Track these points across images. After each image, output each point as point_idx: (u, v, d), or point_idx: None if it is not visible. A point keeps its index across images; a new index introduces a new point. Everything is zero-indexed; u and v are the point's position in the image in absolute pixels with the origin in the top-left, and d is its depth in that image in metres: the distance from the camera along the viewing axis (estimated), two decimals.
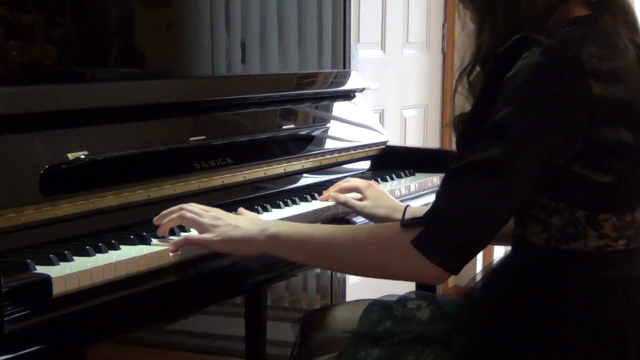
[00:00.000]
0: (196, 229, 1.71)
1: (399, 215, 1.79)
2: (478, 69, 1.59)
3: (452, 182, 1.53)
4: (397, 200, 2.00)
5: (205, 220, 1.69)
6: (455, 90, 1.65)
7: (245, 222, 1.72)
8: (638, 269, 1.56)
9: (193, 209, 1.72)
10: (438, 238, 1.52)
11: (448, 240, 1.51)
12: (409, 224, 1.54)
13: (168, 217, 1.71)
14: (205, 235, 1.67)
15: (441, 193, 1.56)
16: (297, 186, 2.18)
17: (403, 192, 2.28)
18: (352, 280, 3.19)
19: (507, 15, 1.55)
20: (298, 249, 1.67)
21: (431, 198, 2.24)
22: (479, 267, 4.10)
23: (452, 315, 1.72)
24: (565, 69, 1.47)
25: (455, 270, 1.54)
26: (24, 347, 1.37)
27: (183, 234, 1.73)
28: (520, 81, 1.47)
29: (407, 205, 1.93)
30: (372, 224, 1.89)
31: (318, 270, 2.75)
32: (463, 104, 1.61)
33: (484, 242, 1.55)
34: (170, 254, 1.64)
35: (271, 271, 1.97)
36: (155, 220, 1.72)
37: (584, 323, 1.52)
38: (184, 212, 1.71)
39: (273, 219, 1.83)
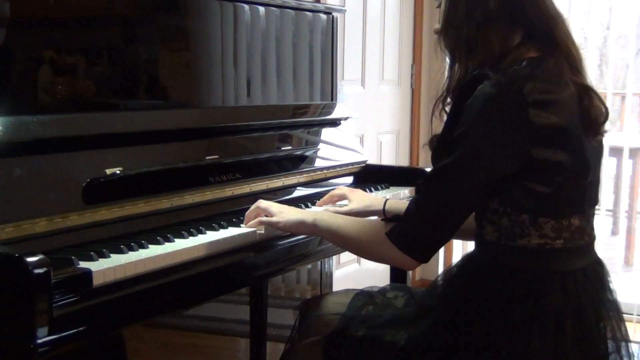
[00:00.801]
0: (268, 214, 1.81)
1: (379, 204, 1.94)
2: (449, 99, 1.62)
3: (422, 187, 1.60)
4: (374, 195, 2.02)
5: (274, 209, 1.80)
6: (433, 114, 1.68)
7: (298, 212, 1.84)
8: (572, 264, 1.57)
9: (266, 202, 1.84)
10: (405, 232, 1.58)
11: (413, 234, 1.58)
12: (387, 220, 1.65)
13: (250, 209, 1.83)
14: (273, 218, 1.80)
15: (414, 197, 1.63)
16: (293, 197, 2.18)
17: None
18: (337, 274, 3.19)
19: (470, 57, 1.58)
20: (326, 234, 1.77)
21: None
22: (441, 267, 4.13)
23: (421, 301, 1.73)
24: (508, 100, 1.48)
25: (422, 259, 1.59)
26: (70, 329, 1.38)
27: (257, 219, 1.83)
28: (473, 107, 1.50)
29: (387, 199, 1.95)
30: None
31: (309, 266, 2.75)
32: (438, 126, 1.64)
33: (443, 237, 1.60)
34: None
35: (271, 267, 1.99)
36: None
37: (527, 307, 1.53)
38: (259, 203, 1.83)
39: (316, 211, 1.93)
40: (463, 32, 1.58)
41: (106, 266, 1.47)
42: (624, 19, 4.85)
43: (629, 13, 4.54)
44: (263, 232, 1.82)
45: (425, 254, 1.58)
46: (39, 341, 1.31)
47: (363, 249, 1.70)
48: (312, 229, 1.78)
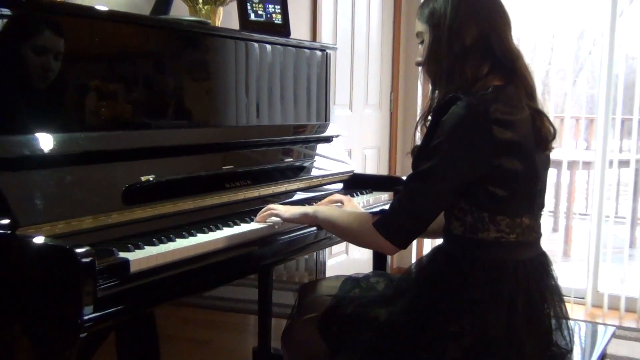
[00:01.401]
0: (276, 213, 1.83)
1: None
2: (429, 118, 1.62)
3: (404, 187, 1.60)
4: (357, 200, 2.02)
5: (281, 208, 1.83)
6: (416, 129, 1.69)
7: (301, 207, 1.86)
8: (522, 255, 1.57)
9: (275, 204, 1.89)
10: (388, 222, 1.59)
11: (394, 224, 1.58)
12: (374, 213, 1.64)
13: (264, 209, 1.85)
14: (280, 212, 1.81)
15: (397, 195, 1.62)
16: (293, 200, 2.17)
17: (364, 204, 2.28)
18: (329, 263, 3.18)
19: (448, 84, 1.58)
20: (324, 223, 1.76)
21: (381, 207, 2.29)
22: (414, 258, 4.13)
23: (398, 285, 1.72)
24: (476, 119, 1.49)
25: (401, 245, 1.60)
26: (110, 307, 1.37)
27: (268, 213, 1.84)
28: (447, 124, 1.51)
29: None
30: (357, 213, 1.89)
31: (307, 256, 2.75)
32: (418, 139, 1.66)
33: (419, 228, 1.60)
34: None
35: (276, 257, 1.98)
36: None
37: (485, 289, 1.54)
38: (270, 205, 1.87)
39: (317, 207, 1.91)
40: (444, 63, 1.59)
41: (141, 256, 1.46)
42: (563, 56, 4.87)
43: (566, 52, 4.56)
44: (278, 226, 1.84)
45: (404, 241, 1.58)
46: (85, 317, 1.30)
47: (354, 236, 1.70)
48: (313, 219, 1.77)
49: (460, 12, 1.57)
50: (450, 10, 1.57)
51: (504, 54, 1.58)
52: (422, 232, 1.60)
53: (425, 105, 1.68)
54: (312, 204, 2.09)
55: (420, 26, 1.65)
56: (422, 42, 1.66)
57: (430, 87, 1.66)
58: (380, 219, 1.58)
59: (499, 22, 1.60)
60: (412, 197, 1.56)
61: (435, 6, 1.60)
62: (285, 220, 1.82)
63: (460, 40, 1.56)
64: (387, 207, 1.64)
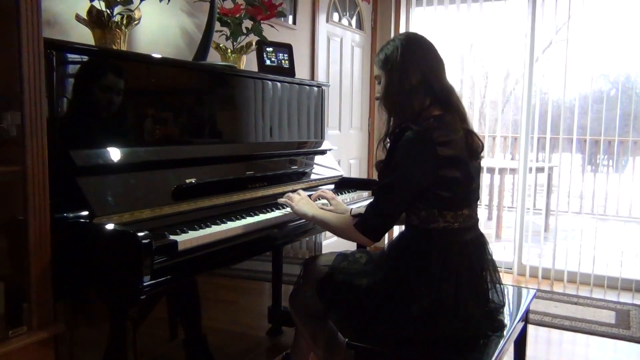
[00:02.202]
0: (290, 204, 1.82)
1: (347, 210, 1.90)
2: (388, 140, 1.60)
3: (374, 196, 1.59)
4: (345, 205, 2.00)
5: (295, 199, 1.82)
6: (377, 148, 1.67)
7: (306, 207, 1.79)
8: (465, 237, 1.56)
9: (293, 194, 1.86)
10: (364, 223, 1.57)
11: (369, 224, 1.57)
12: (354, 216, 1.62)
13: (285, 196, 1.85)
14: (293, 204, 1.80)
15: (370, 202, 1.60)
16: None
17: (348, 199, 2.28)
18: (324, 244, 3.17)
19: (399, 114, 1.58)
20: (319, 223, 1.74)
21: (362, 202, 2.28)
22: (387, 240, 4.12)
23: (376, 260, 1.71)
24: (424, 142, 1.48)
25: (375, 239, 1.58)
26: (163, 277, 1.37)
27: (285, 199, 1.84)
28: (402, 146, 1.50)
29: (352, 208, 1.92)
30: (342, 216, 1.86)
31: (307, 238, 2.74)
32: (380, 155, 1.63)
33: (387, 227, 1.58)
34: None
35: (285, 239, 1.98)
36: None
37: (438, 263, 1.52)
38: (289, 194, 1.86)
39: (316, 207, 1.83)
40: (396, 98, 1.57)
41: (186, 238, 1.46)
42: (494, 90, 4.89)
43: (497, 87, 4.58)
44: (278, 217, 1.82)
45: (377, 236, 1.57)
46: (145, 284, 1.30)
47: (340, 232, 1.66)
48: (311, 219, 1.76)
49: (407, 59, 1.55)
50: (399, 58, 1.56)
51: (441, 90, 1.56)
52: (390, 228, 1.59)
53: (382, 131, 1.64)
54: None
55: (377, 70, 1.63)
56: (379, 83, 1.64)
57: (386, 116, 1.63)
58: (359, 222, 1.57)
59: (436, 66, 1.58)
60: (380, 205, 1.55)
61: (387, 54, 1.59)
62: (293, 212, 1.81)
63: (408, 80, 1.55)
64: (365, 203, 1.62)
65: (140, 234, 1.28)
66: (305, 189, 2.25)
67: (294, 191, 1.91)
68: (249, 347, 2.31)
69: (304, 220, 1.88)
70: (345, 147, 3.84)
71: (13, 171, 1.28)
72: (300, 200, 1.81)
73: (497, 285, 1.65)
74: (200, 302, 2.02)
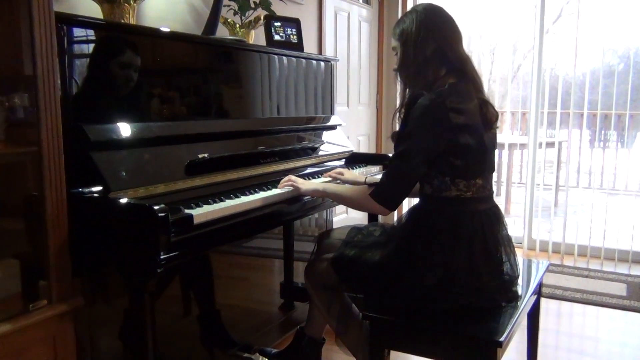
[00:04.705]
0: (294, 184, 1.81)
1: (362, 179, 1.94)
2: (402, 110, 1.60)
3: (389, 164, 1.59)
4: (359, 175, 2.00)
5: (299, 181, 1.82)
6: (394, 119, 1.66)
7: (314, 184, 1.82)
8: (478, 207, 1.56)
9: (294, 176, 1.86)
10: (381, 192, 1.57)
11: (385, 193, 1.57)
12: (370, 185, 1.63)
13: (285, 178, 1.84)
14: (298, 185, 1.80)
15: (385, 171, 1.60)
16: (307, 172, 2.16)
17: (358, 173, 2.28)
18: (335, 220, 3.17)
19: (415, 84, 1.57)
20: (332, 196, 1.75)
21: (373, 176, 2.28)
22: (395, 216, 4.12)
23: (389, 231, 1.72)
24: (437, 108, 1.48)
25: (392, 208, 1.59)
26: (179, 250, 1.38)
27: (288, 183, 1.82)
28: (416, 113, 1.50)
29: (366, 177, 1.93)
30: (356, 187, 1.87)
31: (317, 215, 2.75)
32: (396, 126, 1.63)
33: (403, 195, 1.58)
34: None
35: (296, 214, 1.98)
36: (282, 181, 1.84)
37: (450, 233, 1.53)
38: (290, 176, 1.85)
39: (325, 184, 1.85)
40: (411, 69, 1.58)
41: (201, 212, 1.47)
42: (502, 66, 4.85)
43: (505, 62, 4.54)
44: (289, 192, 1.81)
45: (393, 205, 1.57)
46: (162, 257, 1.31)
47: (355, 203, 1.67)
48: (322, 193, 1.77)
49: (422, 31, 1.56)
50: (414, 30, 1.56)
51: (456, 60, 1.57)
52: (406, 196, 1.59)
53: (399, 102, 1.65)
54: (320, 176, 2.09)
55: (394, 42, 1.64)
56: (396, 54, 1.65)
57: (402, 87, 1.64)
58: (374, 190, 1.57)
59: (452, 36, 1.59)
60: (396, 172, 1.55)
61: (404, 27, 1.60)
62: (301, 193, 1.80)
63: (422, 52, 1.56)
64: (377, 177, 1.62)
65: (156, 207, 1.28)
66: (315, 164, 2.25)
67: (285, 174, 1.91)
68: (262, 322, 2.34)
69: (312, 197, 1.89)
70: (354, 124, 3.82)
71: (28, 150, 1.28)
72: (305, 181, 1.83)
73: (512, 256, 1.64)
74: (214, 279, 2.03)
